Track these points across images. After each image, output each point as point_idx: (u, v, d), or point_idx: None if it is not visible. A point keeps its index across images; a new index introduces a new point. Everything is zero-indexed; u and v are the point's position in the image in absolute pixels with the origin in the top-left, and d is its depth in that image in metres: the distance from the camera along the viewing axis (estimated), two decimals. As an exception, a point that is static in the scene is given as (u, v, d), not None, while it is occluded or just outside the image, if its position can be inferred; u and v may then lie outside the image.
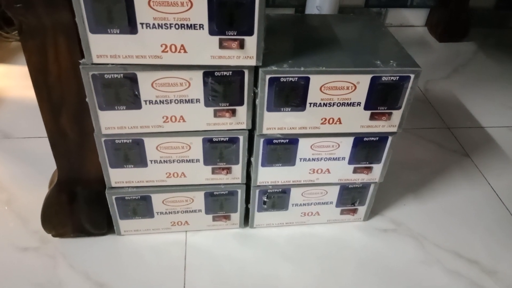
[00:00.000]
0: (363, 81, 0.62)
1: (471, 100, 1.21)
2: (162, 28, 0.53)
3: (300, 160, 0.70)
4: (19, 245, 0.74)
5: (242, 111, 0.64)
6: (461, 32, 1.50)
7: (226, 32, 0.55)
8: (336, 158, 0.71)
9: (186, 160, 0.68)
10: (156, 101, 0.61)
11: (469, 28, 1.50)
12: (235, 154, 0.68)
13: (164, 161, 0.68)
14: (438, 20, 1.51)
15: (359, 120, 0.66)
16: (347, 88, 0.62)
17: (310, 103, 0.63)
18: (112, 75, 0.57)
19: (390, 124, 0.67)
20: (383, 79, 0.62)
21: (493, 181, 0.95)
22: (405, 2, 1.53)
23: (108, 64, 0.56)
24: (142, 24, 0.53)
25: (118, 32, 0.53)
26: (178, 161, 0.68)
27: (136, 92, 0.59)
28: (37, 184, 0.84)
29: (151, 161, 0.67)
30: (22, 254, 0.73)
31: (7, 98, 1.09)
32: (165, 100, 0.61)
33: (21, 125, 1.00)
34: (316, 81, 0.61)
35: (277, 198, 0.76)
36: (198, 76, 0.59)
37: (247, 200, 0.75)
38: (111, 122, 0.62)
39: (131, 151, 0.66)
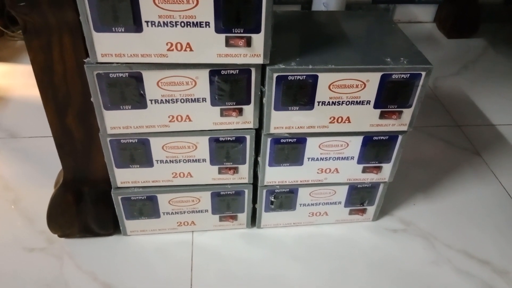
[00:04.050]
0: (373, 79, 0.60)
1: (481, 97, 1.19)
2: (167, 26, 0.52)
3: (308, 160, 0.69)
4: (26, 246, 0.74)
5: (249, 110, 0.63)
6: (470, 27, 1.48)
7: (233, 29, 0.54)
8: (345, 157, 0.70)
9: (193, 160, 0.67)
10: (161, 100, 0.60)
11: (478, 23, 1.48)
12: (242, 153, 0.67)
13: (170, 161, 0.67)
14: (446, 15, 1.49)
15: (369, 119, 0.65)
16: (357, 86, 0.61)
17: (319, 102, 0.62)
18: (117, 74, 0.56)
19: (400, 122, 0.66)
20: (393, 77, 0.60)
21: (504, 180, 0.93)
22: (413, -3, 1.51)
23: (113, 63, 0.55)
24: (147, 22, 0.52)
25: (123, 30, 0.52)
26: (184, 161, 0.67)
27: (142, 92, 0.59)
28: (43, 183, 0.84)
29: (157, 161, 0.67)
30: (28, 254, 0.73)
31: (13, 97, 1.09)
32: (171, 99, 0.60)
33: (27, 124, 1.00)
34: (324, 79, 0.60)
35: (285, 198, 0.75)
36: (204, 74, 0.58)
37: (254, 200, 0.75)
38: (117, 122, 0.61)
39: (137, 151, 0.65)
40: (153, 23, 0.52)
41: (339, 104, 0.62)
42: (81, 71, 0.57)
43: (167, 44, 0.54)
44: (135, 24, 0.52)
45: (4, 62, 1.22)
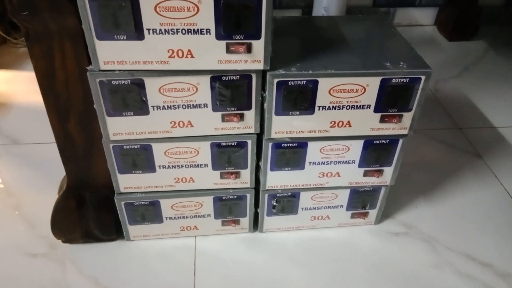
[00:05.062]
0: (373, 84, 0.61)
1: (482, 100, 1.19)
2: (168, 33, 0.53)
3: (310, 164, 0.69)
4: (29, 251, 0.74)
5: (250, 115, 0.63)
6: (470, 30, 1.48)
7: (233, 36, 0.54)
8: (346, 161, 0.70)
9: (195, 165, 0.68)
10: (163, 106, 0.60)
11: (479, 26, 1.48)
12: (243, 158, 0.68)
13: (172, 166, 0.67)
14: (447, 18, 1.50)
15: (369, 123, 0.65)
16: (357, 90, 0.61)
17: (319, 106, 0.62)
18: (120, 81, 0.57)
19: (401, 126, 0.66)
20: (393, 81, 0.61)
21: (506, 182, 0.93)
22: (413, 1, 1.51)
23: (115, 70, 0.56)
24: (148, 29, 0.52)
25: (124, 38, 0.53)
26: (187, 166, 0.68)
27: (144, 98, 0.59)
28: (46, 189, 0.84)
29: (159, 166, 0.67)
30: (31, 260, 0.73)
31: (16, 104, 1.10)
32: (173, 106, 0.60)
33: (30, 130, 1.01)
34: (324, 84, 0.60)
35: (287, 202, 0.75)
36: (205, 81, 0.59)
37: (256, 204, 0.75)
38: (119, 128, 0.62)
39: (139, 157, 0.65)
40: (154, 30, 0.53)
41: (340, 108, 0.63)
42: (82, 77, 0.57)
43: (168, 51, 0.54)
44: (137, 32, 0.52)
45: (7, 69, 1.23)
